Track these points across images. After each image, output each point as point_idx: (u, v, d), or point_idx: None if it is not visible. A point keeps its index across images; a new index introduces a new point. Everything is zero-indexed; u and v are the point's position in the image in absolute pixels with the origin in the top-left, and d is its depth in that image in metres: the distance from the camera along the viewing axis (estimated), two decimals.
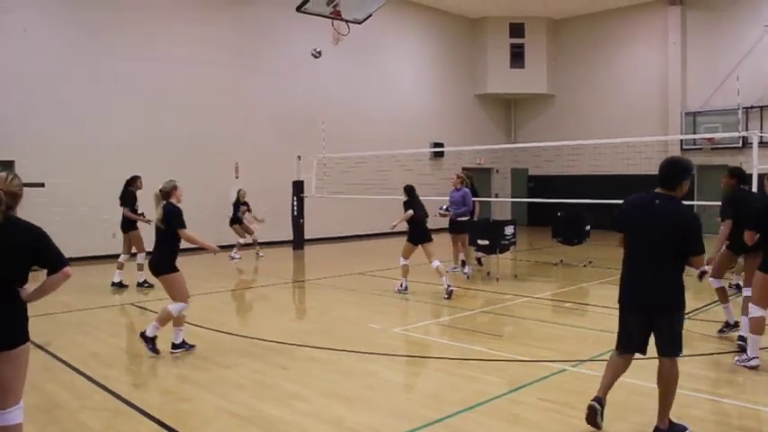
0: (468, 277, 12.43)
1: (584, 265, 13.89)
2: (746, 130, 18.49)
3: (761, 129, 19.31)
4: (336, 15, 15.10)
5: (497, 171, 26.67)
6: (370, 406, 5.44)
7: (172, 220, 6.88)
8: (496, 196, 25.80)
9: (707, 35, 21.56)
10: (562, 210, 15.05)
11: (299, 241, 16.82)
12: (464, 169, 19.14)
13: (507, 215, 24.25)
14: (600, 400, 4.78)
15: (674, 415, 4.72)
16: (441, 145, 22.72)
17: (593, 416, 4.73)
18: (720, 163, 18.83)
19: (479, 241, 12.33)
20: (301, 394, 5.74)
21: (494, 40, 25.23)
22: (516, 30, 25.18)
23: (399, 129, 22.25)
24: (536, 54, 25.22)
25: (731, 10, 21.01)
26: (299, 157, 16.97)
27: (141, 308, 9.76)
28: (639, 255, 4.73)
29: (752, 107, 20.05)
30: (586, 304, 10.18)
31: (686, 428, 4.71)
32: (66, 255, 3.94)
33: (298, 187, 18.01)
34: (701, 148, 21.20)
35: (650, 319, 4.65)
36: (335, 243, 19.87)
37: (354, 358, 6.93)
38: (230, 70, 18.13)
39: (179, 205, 7.08)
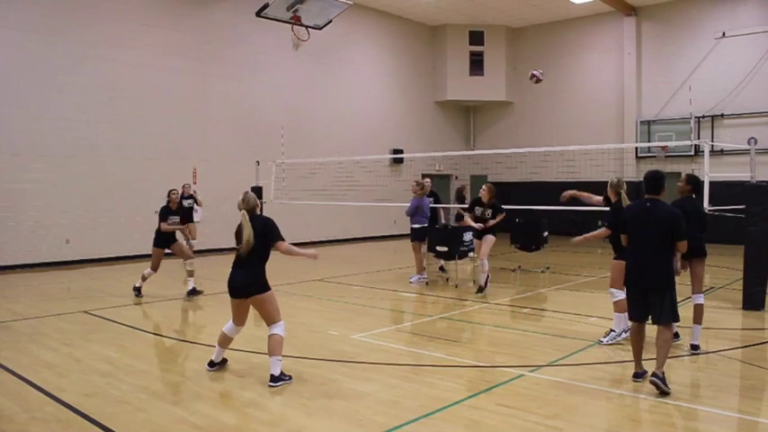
0: (426, 283, 12.51)
1: (542, 271, 14.05)
2: (698, 138, 18.98)
3: (712, 137, 19.85)
4: (296, 21, 15.09)
5: (456, 177, 26.85)
6: (328, 414, 5.41)
7: (274, 231, 6.24)
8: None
9: (661, 46, 22.09)
10: (521, 217, 15.21)
11: None
12: (423, 176, 19.27)
13: None
14: (638, 374, 6.07)
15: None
16: (400, 151, 22.81)
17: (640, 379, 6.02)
18: (674, 170, 19.26)
19: (438, 248, 12.38)
20: (259, 403, 5.68)
21: (453, 48, 25.43)
22: (476, 37, 25.43)
23: (359, 135, 22.28)
24: (495, 61, 25.48)
25: (684, 22, 21.56)
26: (257, 162, 16.88)
27: (97, 316, 9.55)
28: (640, 247, 6.01)
29: (703, 116, 20.57)
30: (544, 309, 10.28)
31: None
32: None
33: (256, 193, 17.85)
34: (655, 156, 21.67)
35: (648, 294, 5.93)
36: None
37: (313, 365, 6.89)
38: (190, 75, 17.91)
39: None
